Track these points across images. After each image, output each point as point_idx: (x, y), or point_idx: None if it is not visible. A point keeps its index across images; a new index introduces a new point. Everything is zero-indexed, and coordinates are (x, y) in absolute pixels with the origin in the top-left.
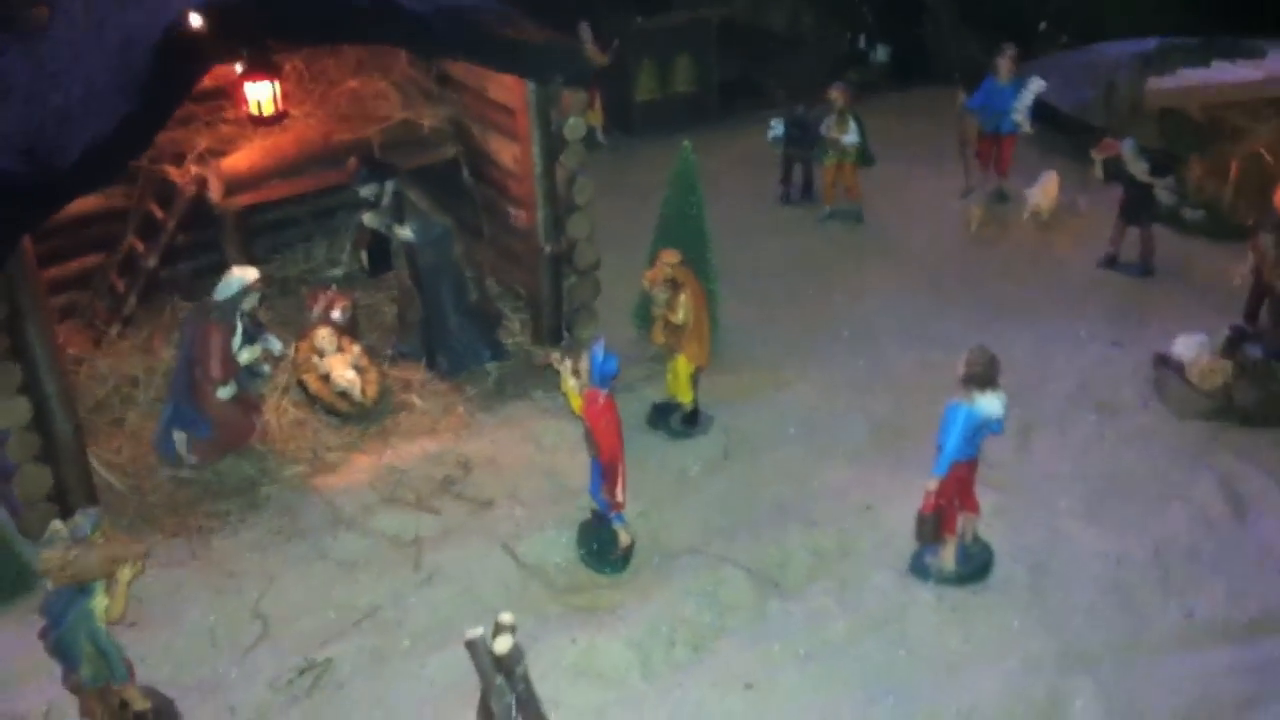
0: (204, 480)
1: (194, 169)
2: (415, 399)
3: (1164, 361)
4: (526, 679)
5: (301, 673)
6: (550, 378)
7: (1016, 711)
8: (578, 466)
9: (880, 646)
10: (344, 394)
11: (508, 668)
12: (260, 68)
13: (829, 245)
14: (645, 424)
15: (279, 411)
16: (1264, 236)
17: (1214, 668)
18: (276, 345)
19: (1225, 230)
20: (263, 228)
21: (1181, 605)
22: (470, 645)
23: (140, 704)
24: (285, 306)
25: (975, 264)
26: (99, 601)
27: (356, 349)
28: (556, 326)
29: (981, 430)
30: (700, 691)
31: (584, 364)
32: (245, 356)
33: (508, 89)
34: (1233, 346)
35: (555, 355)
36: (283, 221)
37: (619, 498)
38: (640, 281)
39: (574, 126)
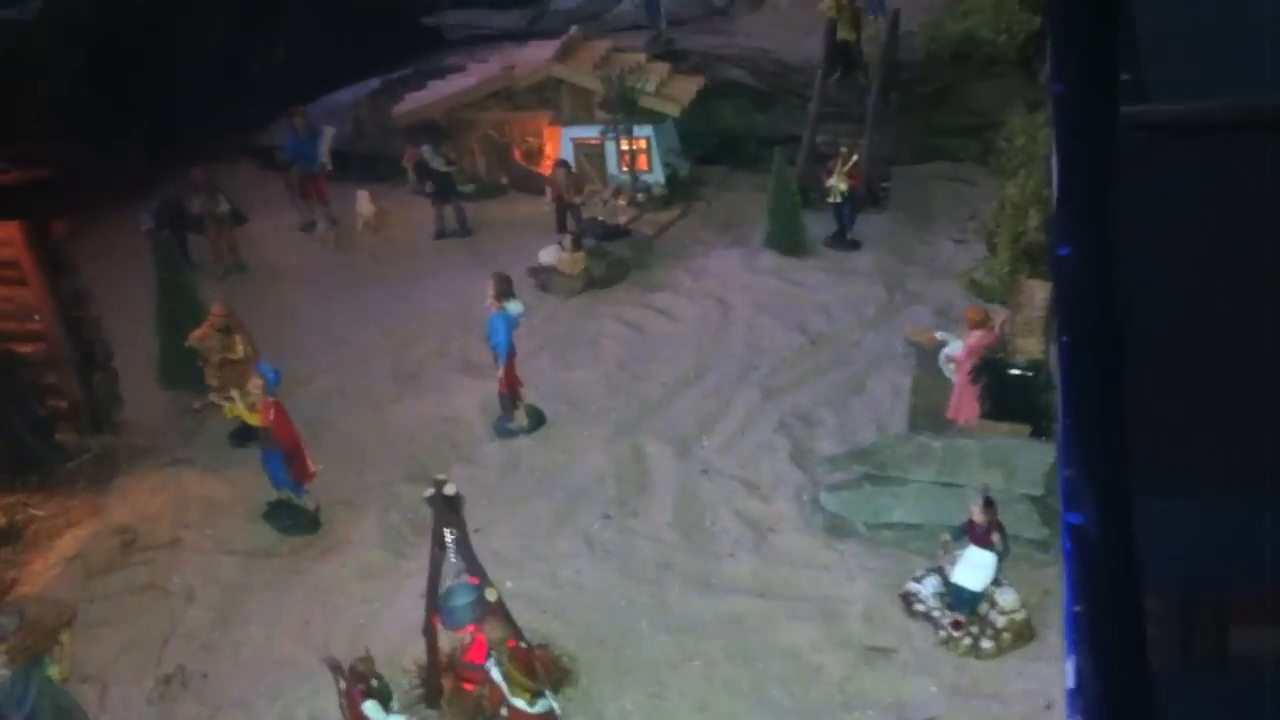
0: None
1: None
2: (34, 511)
3: (538, 270)
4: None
5: (168, 683)
6: (128, 448)
7: (621, 464)
8: (214, 487)
9: (526, 478)
10: None
11: (456, 505)
12: None
13: (248, 287)
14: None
15: None
16: (558, 171)
17: (708, 392)
18: None
19: (491, 190)
20: None
21: (660, 378)
22: (430, 497)
23: None
24: None
25: (353, 266)
26: (53, 669)
27: None
28: (94, 416)
29: (512, 327)
30: None
31: (256, 382)
32: None
33: None
34: (576, 243)
35: (210, 396)
36: None
37: (311, 469)
38: (179, 343)
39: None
